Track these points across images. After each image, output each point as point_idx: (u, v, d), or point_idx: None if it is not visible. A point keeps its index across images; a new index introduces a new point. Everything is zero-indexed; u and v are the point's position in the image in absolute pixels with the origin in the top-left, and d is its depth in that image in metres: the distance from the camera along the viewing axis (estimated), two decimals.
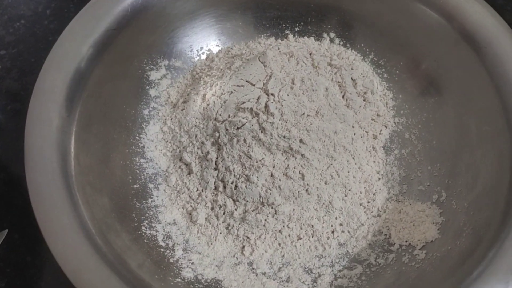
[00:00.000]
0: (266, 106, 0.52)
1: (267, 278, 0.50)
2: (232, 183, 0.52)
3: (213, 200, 0.53)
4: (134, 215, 0.51)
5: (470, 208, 0.49)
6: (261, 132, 0.51)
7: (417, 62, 0.58)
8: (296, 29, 0.64)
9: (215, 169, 0.53)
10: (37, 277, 0.51)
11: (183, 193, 0.54)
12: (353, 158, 0.55)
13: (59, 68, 0.50)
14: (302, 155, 0.52)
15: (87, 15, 0.53)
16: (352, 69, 0.59)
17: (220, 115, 0.53)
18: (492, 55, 0.51)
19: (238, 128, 0.52)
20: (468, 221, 0.48)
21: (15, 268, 0.52)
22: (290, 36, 0.63)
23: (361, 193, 0.55)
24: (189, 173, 0.54)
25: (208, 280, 0.49)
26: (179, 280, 0.48)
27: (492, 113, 0.50)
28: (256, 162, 0.51)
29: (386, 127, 0.59)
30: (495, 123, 0.50)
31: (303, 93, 0.53)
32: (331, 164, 0.54)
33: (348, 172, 0.54)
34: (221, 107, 0.53)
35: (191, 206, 0.53)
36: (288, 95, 0.53)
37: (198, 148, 0.54)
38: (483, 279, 0.41)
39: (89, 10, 0.53)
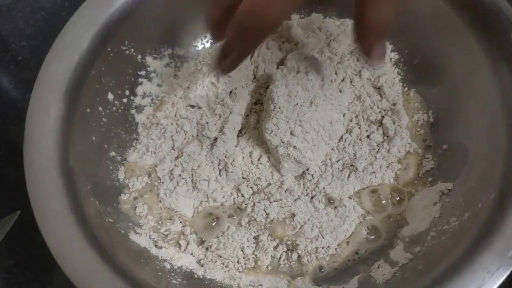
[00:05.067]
0: None
1: None
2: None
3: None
4: None
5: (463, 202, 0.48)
6: None
7: (417, 49, 0.56)
8: (301, 16, 0.63)
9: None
10: (44, 257, 0.54)
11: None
12: None
13: (61, 61, 0.52)
14: (294, 146, 0.51)
15: (90, 7, 0.55)
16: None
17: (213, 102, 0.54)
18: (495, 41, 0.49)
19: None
20: (459, 216, 0.46)
21: (24, 247, 0.56)
22: (295, 22, 0.62)
23: None
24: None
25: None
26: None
27: (491, 102, 0.48)
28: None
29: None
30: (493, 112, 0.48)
31: (297, 83, 0.53)
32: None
33: None
34: (216, 97, 0.54)
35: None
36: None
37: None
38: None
39: (92, 3, 0.55)
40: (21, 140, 0.62)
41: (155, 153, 0.55)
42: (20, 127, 0.64)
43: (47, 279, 0.55)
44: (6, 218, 0.55)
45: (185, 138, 0.56)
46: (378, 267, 0.48)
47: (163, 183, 0.54)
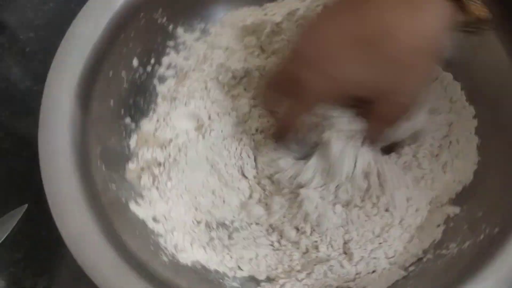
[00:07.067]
0: None
1: None
2: None
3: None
4: None
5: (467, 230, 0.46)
6: None
7: None
8: None
9: None
10: (51, 251, 0.55)
11: None
12: None
13: (92, 19, 0.51)
14: None
15: None
16: None
17: None
18: None
19: None
20: (459, 243, 0.45)
21: (31, 241, 0.56)
22: None
23: None
24: None
25: None
26: None
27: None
28: None
29: None
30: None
31: None
32: None
33: None
34: None
35: None
36: None
37: None
38: None
39: None
40: (29, 133, 0.57)
41: (171, 126, 0.56)
42: (28, 120, 0.61)
43: (55, 273, 0.55)
44: (13, 211, 0.56)
45: None
46: None
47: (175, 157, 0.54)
